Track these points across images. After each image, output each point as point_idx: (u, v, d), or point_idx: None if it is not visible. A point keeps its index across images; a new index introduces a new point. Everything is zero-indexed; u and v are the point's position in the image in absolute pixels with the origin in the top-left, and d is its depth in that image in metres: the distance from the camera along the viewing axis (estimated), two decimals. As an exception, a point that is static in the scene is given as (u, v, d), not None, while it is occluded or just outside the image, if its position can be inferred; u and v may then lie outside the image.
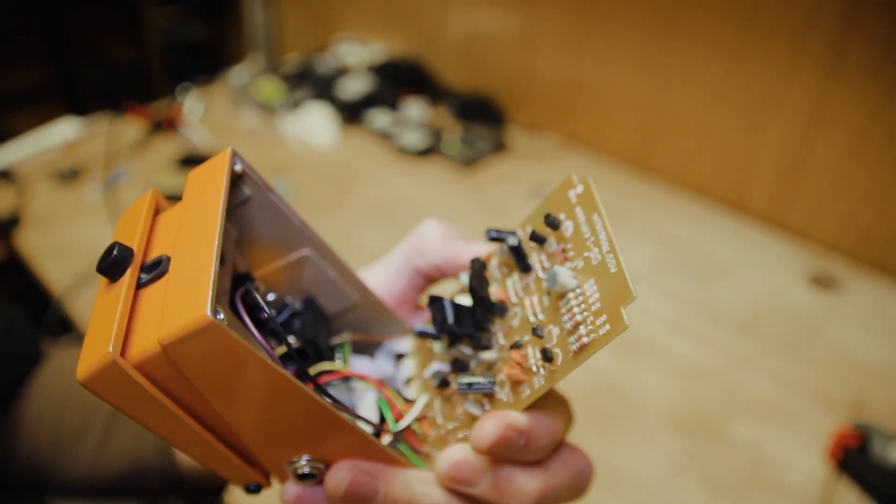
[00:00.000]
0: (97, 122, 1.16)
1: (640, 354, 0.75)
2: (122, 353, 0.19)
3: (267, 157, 1.10)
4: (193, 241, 0.21)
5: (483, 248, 0.28)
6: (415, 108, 1.17)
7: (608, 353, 0.75)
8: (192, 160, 1.04)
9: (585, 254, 0.23)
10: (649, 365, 0.74)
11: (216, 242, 0.20)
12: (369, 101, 1.19)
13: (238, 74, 1.27)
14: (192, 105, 1.21)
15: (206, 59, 1.79)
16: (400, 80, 1.22)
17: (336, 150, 1.12)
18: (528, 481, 0.25)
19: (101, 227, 0.92)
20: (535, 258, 0.26)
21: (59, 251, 0.87)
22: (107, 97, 1.32)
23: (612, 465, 0.64)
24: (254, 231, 0.26)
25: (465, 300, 0.27)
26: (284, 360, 0.26)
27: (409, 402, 0.29)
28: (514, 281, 0.27)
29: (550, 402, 0.25)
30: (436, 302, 0.26)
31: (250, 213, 0.26)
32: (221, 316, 0.19)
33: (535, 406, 0.24)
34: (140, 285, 0.21)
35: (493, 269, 0.28)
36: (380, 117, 1.16)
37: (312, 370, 0.27)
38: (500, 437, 0.23)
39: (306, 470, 0.24)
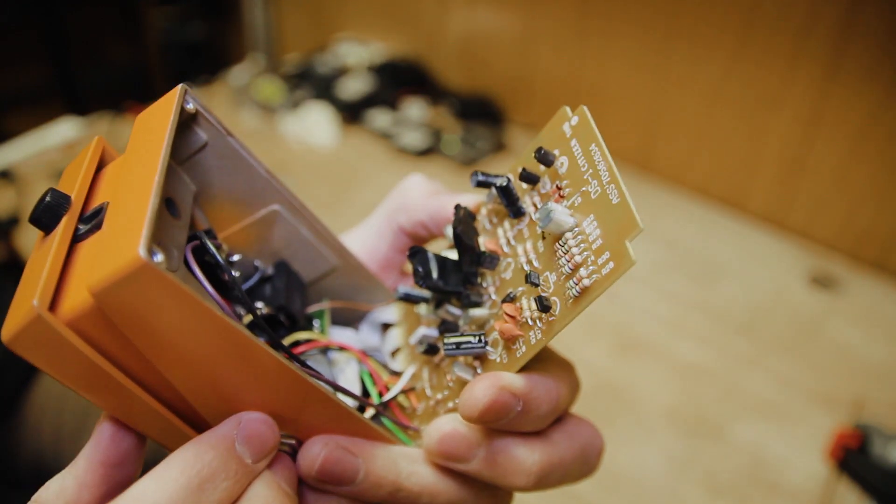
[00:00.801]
0: (97, 122, 1.16)
1: (639, 354, 0.75)
2: (52, 309, 0.17)
3: (267, 157, 1.09)
4: (133, 184, 0.18)
5: (470, 199, 0.26)
6: (415, 108, 1.17)
7: (608, 352, 0.75)
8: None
9: (583, 188, 0.21)
10: (649, 365, 0.74)
11: (156, 179, 0.17)
12: (369, 101, 1.19)
13: (238, 74, 1.27)
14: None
15: (206, 59, 1.79)
16: (400, 80, 1.22)
17: (336, 150, 1.12)
18: (527, 454, 0.22)
19: (101, 227, 0.92)
20: (528, 201, 0.23)
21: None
22: (107, 97, 1.32)
23: (612, 465, 0.64)
24: (214, 184, 0.23)
25: (452, 255, 0.24)
26: (252, 329, 0.23)
27: (396, 374, 0.26)
28: (506, 230, 0.24)
29: (551, 365, 0.22)
30: (418, 254, 0.23)
31: (208, 161, 0.23)
32: (159, 258, 0.16)
33: (533, 367, 0.21)
34: (77, 238, 0.19)
35: (483, 220, 0.25)
36: (380, 117, 1.16)
37: (286, 341, 0.24)
38: (492, 402, 0.20)
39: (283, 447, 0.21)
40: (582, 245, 0.20)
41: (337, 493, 0.22)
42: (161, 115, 0.20)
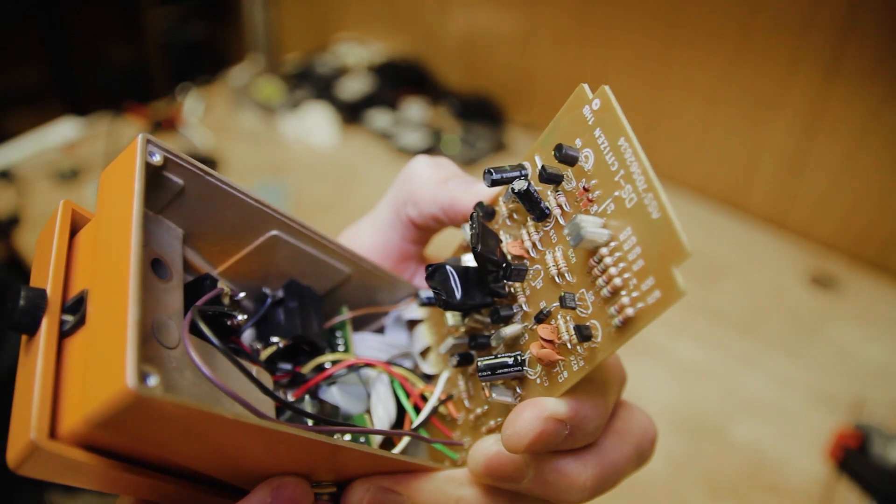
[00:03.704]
0: (97, 122, 1.16)
1: (640, 354, 0.75)
2: (53, 430, 0.16)
3: (267, 157, 1.10)
4: (109, 271, 0.17)
5: (484, 192, 0.24)
6: (415, 108, 1.17)
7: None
8: (192, 160, 1.04)
9: (616, 193, 0.18)
10: (649, 365, 0.74)
11: (131, 276, 0.16)
12: (369, 101, 1.19)
13: (238, 74, 1.27)
14: (192, 105, 1.21)
15: (206, 59, 1.79)
16: (400, 80, 1.22)
17: (336, 150, 1.12)
18: (580, 470, 0.20)
19: (101, 227, 0.91)
20: (552, 200, 0.21)
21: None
22: (107, 97, 1.32)
23: (612, 465, 0.64)
24: (202, 223, 0.22)
25: (472, 261, 0.22)
26: (274, 361, 0.22)
27: (430, 378, 0.25)
28: (530, 230, 0.21)
29: (595, 372, 0.20)
30: (437, 273, 0.21)
31: (190, 203, 0.21)
32: (153, 381, 0.15)
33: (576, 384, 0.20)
34: (64, 333, 0.17)
35: (503, 217, 0.23)
36: (380, 117, 1.16)
37: (307, 368, 0.23)
38: (539, 434, 0.19)
39: (324, 499, 0.21)
40: (621, 265, 0.18)
41: None
42: (125, 173, 0.18)
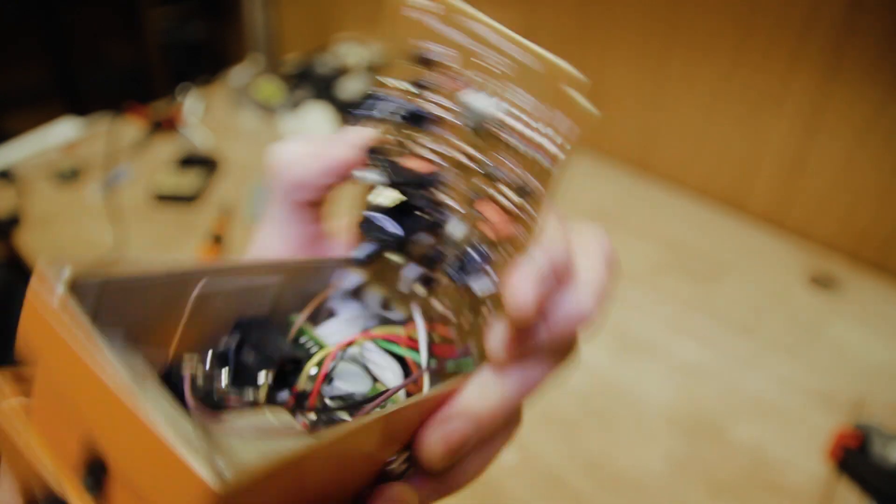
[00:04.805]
0: (97, 122, 1.16)
1: (639, 354, 0.75)
2: None
3: (267, 157, 1.10)
4: (104, 411, 0.15)
5: (362, 134, 0.23)
6: (415, 108, 1.17)
7: (608, 352, 0.75)
8: (192, 160, 1.04)
9: (486, 65, 0.18)
10: (649, 365, 0.74)
11: (133, 396, 0.14)
12: (369, 101, 1.19)
13: (238, 74, 1.27)
14: (192, 105, 1.21)
15: (206, 59, 1.79)
16: (400, 80, 1.22)
17: (336, 150, 1.12)
18: (577, 297, 0.21)
19: (101, 228, 0.92)
20: (433, 106, 0.20)
21: (59, 251, 0.87)
22: (107, 97, 1.32)
23: (612, 465, 0.64)
24: (133, 318, 0.20)
25: (388, 195, 0.22)
26: (270, 398, 0.22)
27: (406, 321, 0.25)
28: (424, 142, 0.21)
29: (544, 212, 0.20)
30: (370, 224, 0.21)
31: (114, 307, 0.19)
32: (222, 465, 0.13)
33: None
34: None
35: (393, 148, 0.22)
36: (380, 117, 1.16)
37: (301, 385, 0.23)
38: (540, 292, 0.19)
39: (402, 468, 0.21)
40: (525, 118, 0.18)
41: (469, 454, 0.22)
42: (57, 328, 0.16)
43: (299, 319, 0.25)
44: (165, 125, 1.14)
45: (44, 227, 0.93)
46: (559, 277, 0.20)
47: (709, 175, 1.01)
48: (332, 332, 0.25)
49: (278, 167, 0.25)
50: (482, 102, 0.18)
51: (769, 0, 0.84)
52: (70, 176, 1.02)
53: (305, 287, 0.26)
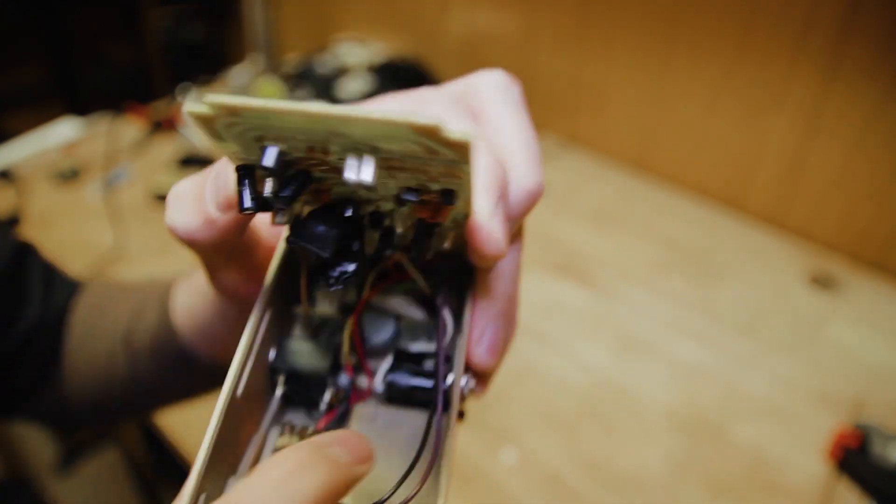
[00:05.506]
0: (97, 122, 1.16)
1: (639, 354, 0.75)
2: None
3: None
4: None
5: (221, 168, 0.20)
6: (415, 108, 1.17)
7: (608, 352, 0.75)
8: (191, 160, 1.04)
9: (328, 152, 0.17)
10: (649, 365, 0.74)
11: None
12: (369, 101, 1.19)
13: (238, 74, 1.27)
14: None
15: (206, 59, 1.79)
16: (400, 80, 1.22)
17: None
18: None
19: (102, 228, 0.92)
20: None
21: (59, 251, 0.87)
22: (107, 97, 1.32)
23: (612, 465, 0.64)
24: None
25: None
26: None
27: (380, 280, 0.25)
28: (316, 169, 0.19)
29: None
30: (300, 236, 0.19)
31: None
32: None
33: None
34: None
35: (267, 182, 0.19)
36: (380, 117, 1.16)
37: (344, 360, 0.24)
38: (502, 227, 0.20)
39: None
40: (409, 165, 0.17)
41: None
42: None
43: (280, 380, 0.24)
44: (165, 125, 1.14)
45: (44, 226, 0.93)
46: (503, 189, 0.20)
47: (708, 174, 1.01)
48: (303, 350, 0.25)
49: (167, 220, 0.21)
50: (362, 174, 0.17)
51: (769, 0, 0.84)
52: (70, 176, 1.02)
53: (279, 329, 0.25)
